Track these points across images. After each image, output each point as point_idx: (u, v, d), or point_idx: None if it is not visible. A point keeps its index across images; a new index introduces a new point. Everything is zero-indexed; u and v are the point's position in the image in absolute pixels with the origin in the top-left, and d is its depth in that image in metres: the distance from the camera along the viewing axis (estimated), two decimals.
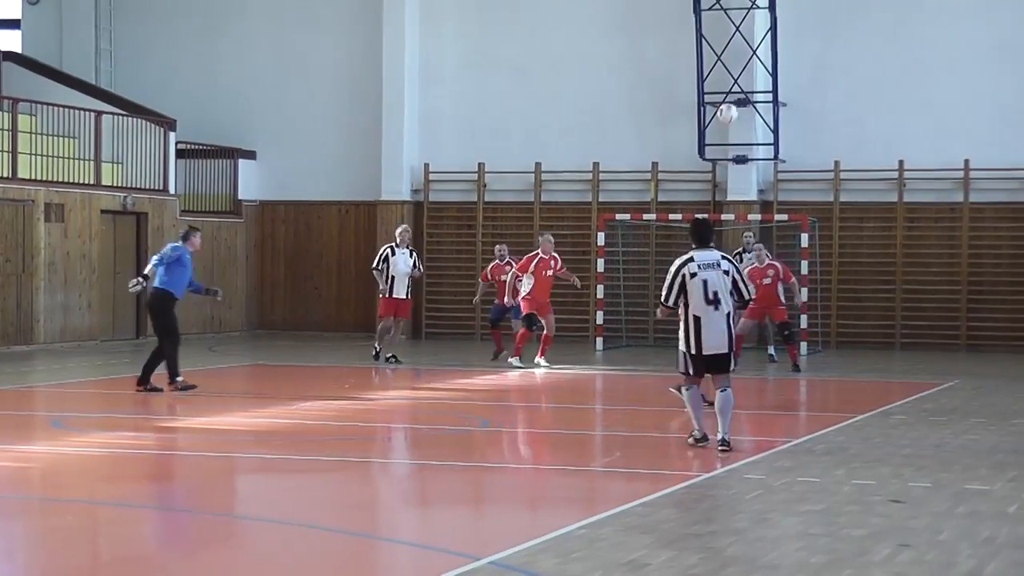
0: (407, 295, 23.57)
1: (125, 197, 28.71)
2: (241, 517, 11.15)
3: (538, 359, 22.83)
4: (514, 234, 29.80)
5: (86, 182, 28.08)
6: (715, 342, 13.59)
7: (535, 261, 22.98)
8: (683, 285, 13.59)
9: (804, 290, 26.40)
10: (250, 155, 32.02)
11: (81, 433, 15.30)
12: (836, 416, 16.95)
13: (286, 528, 10.31)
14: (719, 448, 13.53)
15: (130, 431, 15.63)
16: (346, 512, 11.25)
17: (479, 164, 30.44)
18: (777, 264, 23.21)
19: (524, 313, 23.02)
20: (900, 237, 28.57)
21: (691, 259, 13.66)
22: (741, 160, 28.95)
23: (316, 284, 31.45)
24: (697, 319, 13.54)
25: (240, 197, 31.87)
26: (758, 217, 28.15)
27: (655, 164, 29.55)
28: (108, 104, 29.79)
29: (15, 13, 33.93)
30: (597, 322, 27.39)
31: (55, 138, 28.22)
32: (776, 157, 28.79)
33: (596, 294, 27.34)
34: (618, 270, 28.68)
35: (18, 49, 32.66)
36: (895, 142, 28.37)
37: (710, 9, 28.32)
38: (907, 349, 27.96)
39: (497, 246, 24.79)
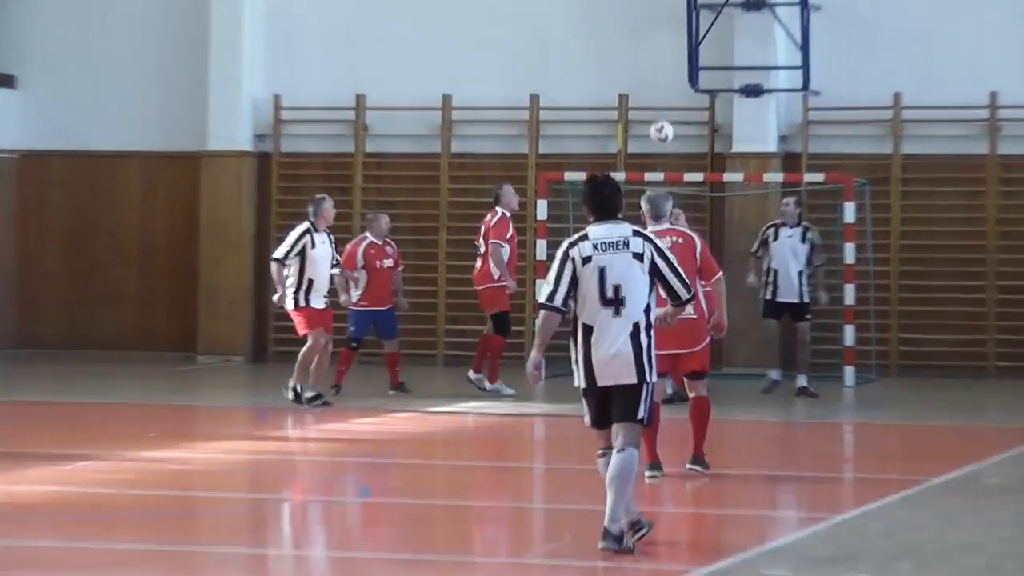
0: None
1: None
2: None
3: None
4: (411, 201, 30.07)
5: None
6: (613, 368, 12.97)
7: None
8: (574, 276, 13.01)
9: (850, 287, 26.63)
10: (6, 82, 31.94)
11: None
12: (897, 481, 16.99)
13: None
14: (601, 543, 12.76)
15: None
16: None
17: (357, 97, 30.54)
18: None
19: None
20: (993, 206, 28.71)
21: (584, 237, 13.08)
22: (754, 91, 29.03)
23: (110, 279, 31.39)
24: (588, 330, 13.01)
25: None
26: (779, 177, 28.28)
27: (623, 98, 29.66)
28: None
29: None
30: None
31: None
32: (806, 88, 28.88)
33: (535, 294, 27.14)
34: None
35: None
36: (982, 66, 28.59)
37: None
38: (1007, 376, 28.00)
39: (370, 215, 25.22)
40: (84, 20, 31.61)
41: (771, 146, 29.25)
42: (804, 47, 28.58)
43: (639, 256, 13.01)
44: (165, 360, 29.35)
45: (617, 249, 13.00)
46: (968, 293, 28.73)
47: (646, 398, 12.97)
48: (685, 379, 16.24)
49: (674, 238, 15.98)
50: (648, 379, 12.93)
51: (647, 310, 13.00)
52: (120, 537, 13.75)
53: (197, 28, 30.79)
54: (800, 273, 24.76)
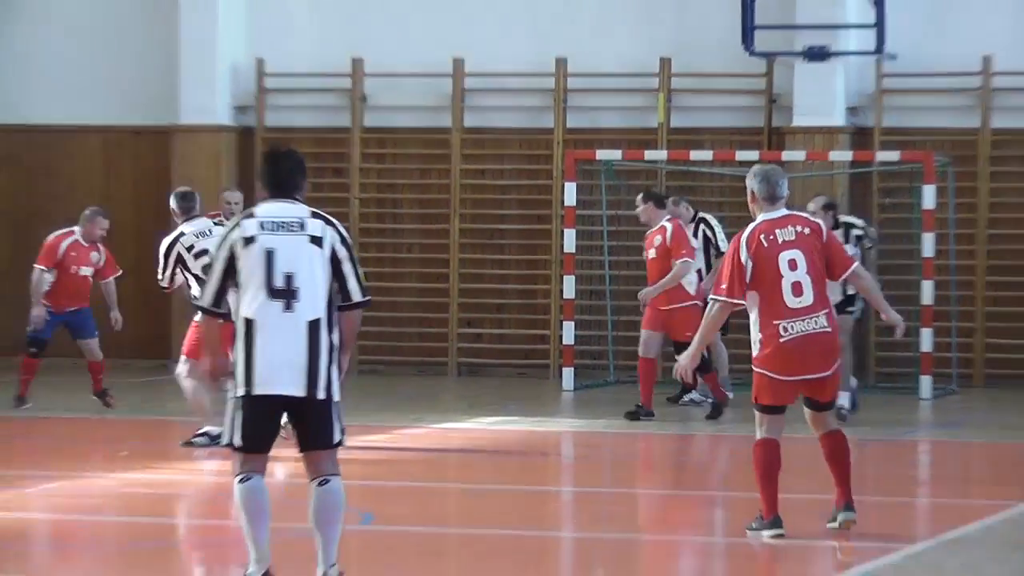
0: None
1: None
2: None
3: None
4: (417, 184, 30.37)
5: None
6: (278, 374, 12.21)
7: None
8: (232, 259, 12.26)
9: (928, 284, 26.88)
10: None
11: None
12: (982, 506, 17.22)
13: None
14: None
15: None
16: None
17: (353, 61, 30.65)
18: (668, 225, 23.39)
19: None
20: None
21: (250, 215, 12.39)
22: (819, 55, 29.15)
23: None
24: (249, 324, 12.26)
25: None
26: (849, 155, 28.48)
27: (665, 62, 29.78)
28: None
29: None
30: (564, 342, 27.50)
31: None
32: (880, 51, 28.93)
33: (564, 292, 27.51)
34: (602, 249, 28.92)
35: None
36: None
37: None
38: None
39: (89, 211, 25.01)
40: None
41: (839, 119, 29.42)
42: (879, 2, 28.58)
43: (317, 240, 12.30)
44: (134, 369, 29.36)
45: (291, 230, 12.33)
46: None
47: (335, 415, 12.29)
48: (812, 412, 15.23)
49: (799, 227, 14.87)
50: (331, 394, 12.20)
51: (329, 305, 12.29)
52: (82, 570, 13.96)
53: None
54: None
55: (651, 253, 23.84)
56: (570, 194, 27.59)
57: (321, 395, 12.07)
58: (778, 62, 29.58)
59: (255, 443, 12.21)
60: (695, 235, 25.20)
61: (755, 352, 14.58)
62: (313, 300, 12.16)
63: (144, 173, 31.67)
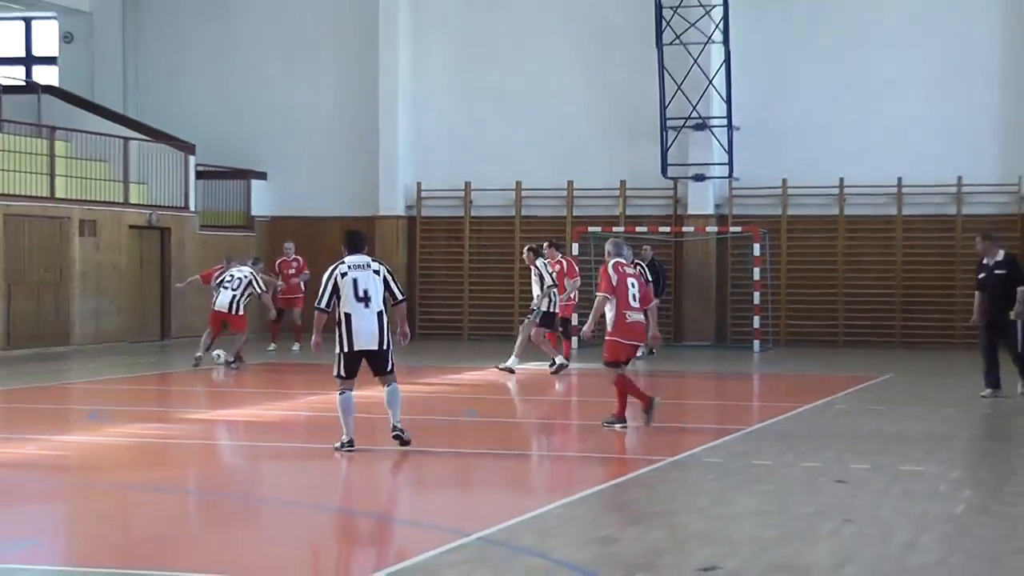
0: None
1: (150, 214, 28.76)
2: (255, 499, 11.13)
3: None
4: (498, 246, 29.94)
5: (115, 200, 28.15)
6: (365, 339, 12.58)
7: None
8: (335, 284, 12.54)
9: (757, 293, 26.60)
10: (262, 176, 32.01)
11: (113, 425, 15.25)
12: (785, 406, 16.84)
13: (295, 509, 10.31)
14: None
15: (156, 423, 15.59)
16: (350, 494, 11.25)
17: (465, 183, 30.42)
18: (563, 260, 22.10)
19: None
20: (841, 246, 28.61)
21: (343, 262, 12.65)
22: (700, 178, 28.92)
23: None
24: (348, 316, 12.51)
25: (253, 213, 31.83)
26: (715, 229, 28.18)
27: (623, 182, 29.59)
28: (135, 131, 29.79)
29: (53, 51, 33.93)
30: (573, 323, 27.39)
31: (88, 162, 28.36)
32: (731, 175, 28.78)
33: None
34: (590, 278, 28.60)
35: (55, 83, 32.70)
36: (836, 161, 28.32)
37: (671, 44, 28.37)
38: (848, 347, 27.92)
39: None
40: (302, 135, 31.50)
41: (710, 210, 29.00)
42: (729, 151, 28.43)
43: (376, 272, 12.63)
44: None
45: (363, 269, 12.61)
46: (826, 297, 28.75)
47: (391, 358, 12.70)
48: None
49: (635, 267, 15.06)
50: (388, 346, 12.64)
51: (384, 302, 12.60)
52: (333, 440, 13.23)
53: (371, 140, 30.79)
54: None
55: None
56: (574, 249, 27.10)
57: (384, 347, 12.63)
58: (679, 182, 29.29)
59: (350, 374, 12.68)
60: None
61: (610, 329, 14.19)
62: (377, 302, 12.58)
63: None
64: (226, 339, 22.39)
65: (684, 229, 28.21)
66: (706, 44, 28.38)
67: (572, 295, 22.30)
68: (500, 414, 17.23)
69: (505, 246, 29.84)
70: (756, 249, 26.80)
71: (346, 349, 12.51)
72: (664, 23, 28.30)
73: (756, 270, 26.86)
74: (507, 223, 30.24)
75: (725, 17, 28.13)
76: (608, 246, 14.84)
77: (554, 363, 20.95)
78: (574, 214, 29.75)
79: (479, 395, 19.07)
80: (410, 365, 22.69)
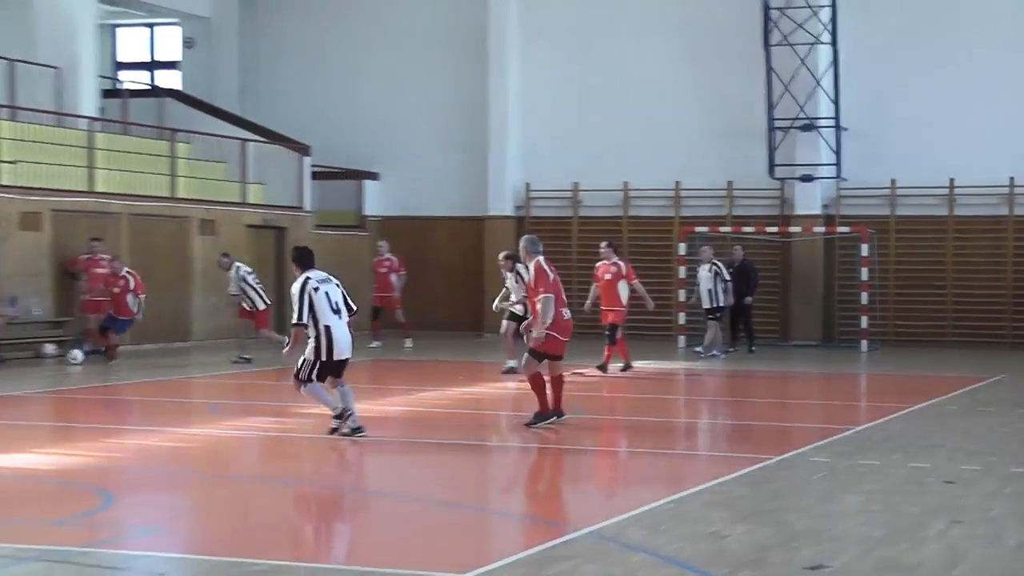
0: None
1: (267, 214, 29.14)
2: (368, 492, 11.26)
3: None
4: (602, 238, 29.72)
5: (234, 200, 28.59)
6: (344, 349, 13.06)
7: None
8: (311, 300, 12.90)
9: (864, 294, 26.31)
10: (374, 176, 32.25)
11: (232, 418, 15.52)
12: (893, 406, 16.64)
13: (410, 502, 10.42)
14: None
15: (273, 416, 15.81)
16: (464, 488, 11.37)
17: (574, 184, 30.42)
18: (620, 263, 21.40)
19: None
20: (950, 247, 28.17)
21: (309, 278, 13.01)
22: (807, 179, 28.63)
23: (432, 289, 30.99)
24: (328, 327, 12.89)
25: (365, 213, 32.07)
26: (822, 230, 27.90)
27: (730, 183, 29.40)
28: (252, 133, 30.23)
29: (175, 56, 34.54)
30: (679, 323, 27.37)
31: (207, 163, 28.94)
32: (838, 176, 28.49)
33: (678, 297, 27.27)
34: (716, 276, 28.41)
35: (178, 87, 33.29)
36: (946, 161, 27.89)
37: (778, 45, 28.19)
38: (957, 347, 27.40)
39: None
40: (413, 137, 31.65)
41: (817, 211, 28.73)
42: (837, 152, 28.19)
43: (339, 285, 13.07)
44: (464, 337, 29.28)
45: (328, 282, 13.00)
46: (935, 298, 28.28)
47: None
48: (554, 361, 14.29)
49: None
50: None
51: (350, 312, 13.01)
52: (445, 436, 13.45)
53: (481, 142, 30.95)
54: None
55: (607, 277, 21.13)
56: (681, 249, 27.17)
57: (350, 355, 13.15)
58: (786, 183, 29.03)
59: (322, 379, 13.05)
60: (710, 272, 24.58)
61: (547, 323, 13.93)
62: (346, 313, 12.99)
63: (468, 241, 31.16)
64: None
65: (791, 229, 27.94)
66: (813, 44, 28.15)
67: (627, 298, 21.10)
68: (606, 412, 17.26)
69: (610, 238, 29.66)
70: (864, 249, 26.55)
71: (324, 358, 12.92)
72: (771, 24, 28.15)
73: (864, 270, 26.61)
74: (615, 223, 30.07)
75: (833, 18, 27.92)
76: (526, 244, 14.52)
77: (510, 368, 19.85)
78: (681, 215, 29.58)
79: (587, 393, 19.05)
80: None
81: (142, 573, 7.96)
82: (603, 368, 20.73)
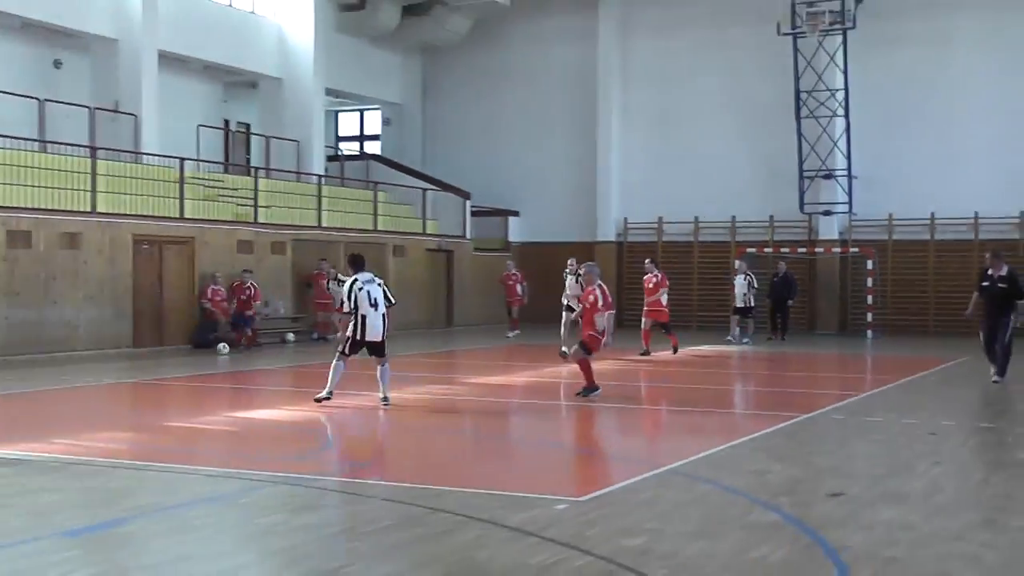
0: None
1: (440, 241, 29.44)
2: (506, 439, 11.20)
3: None
4: (679, 264, 29.47)
5: (416, 232, 28.87)
6: (374, 332, 12.34)
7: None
8: (357, 295, 12.24)
9: (870, 297, 25.72)
10: (515, 214, 32.31)
11: (417, 386, 15.44)
12: (891, 377, 16.37)
13: (534, 446, 10.36)
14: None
15: (447, 385, 15.61)
16: (573, 436, 11.30)
17: (658, 217, 30.21)
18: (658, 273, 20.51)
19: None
20: (932, 262, 27.39)
21: (356, 279, 12.33)
22: (828, 213, 28.15)
23: (557, 296, 30.37)
24: (364, 317, 12.27)
25: (509, 240, 32.10)
26: (839, 250, 27.43)
27: (771, 216, 28.98)
28: (430, 184, 30.56)
29: (377, 131, 35.16)
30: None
31: (398, 205, 29.37)
32: (850, 211, 28.00)
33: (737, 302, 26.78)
34: (748, 284, 28.11)
35: (379, 152, 33.78)
36: (928, 200, 27.26)
37: (806, 117, 27.92)
38: (936, 336, 26.66)
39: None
40: (543, 183, 31.62)
41: (835, 236, 28.15)
42: (849, 193, 27.70)
43: (381, 285, 12.44)
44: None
45: (373, 283, 12.35)
46: (920, 299, 27.61)
47: (386, 346, 12.42)
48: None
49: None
50: (386, 339, 12.37)
51: (388, 307, 12.35)
52: (549, 398, 13.55)
53: (591, 187, 30.79)
54: None
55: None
56: (736, 265, 26.07)
57: (383, 339, 12.36)
58: (813, 216, 28.47)
59: (352, 354, 12.38)
60: (744, 280, 23.73)
61: (599, 329, 13.15)
62: (382, 307, 12.30)
63: (582, 259, 29.52)
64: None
65: (816, 250, 27.60)
66: (831, 118, 27.83)
67: (664, 300, 20.43)
68: (680, 382, 17.09)
69: (685, 263, 29.49)
70: (869, 264, 26.13)
71: (358, 337, 12.22)
72: (801, 103, 27.87)
73: (869, 279, 26.23)
74: (687, 247, 29.87)
75: (846, 98, 27.63)
76: (590, 271, 13.50)
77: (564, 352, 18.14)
78: (736, 239, 29.19)
79: (669, 367, 18.81)
80: (615, 345, 22.16)
81: (352, 493, 8.03)
82: (675, 350, 20.28)
